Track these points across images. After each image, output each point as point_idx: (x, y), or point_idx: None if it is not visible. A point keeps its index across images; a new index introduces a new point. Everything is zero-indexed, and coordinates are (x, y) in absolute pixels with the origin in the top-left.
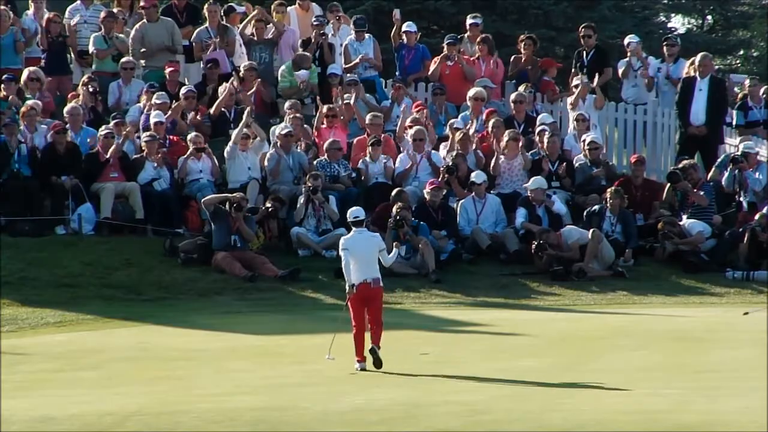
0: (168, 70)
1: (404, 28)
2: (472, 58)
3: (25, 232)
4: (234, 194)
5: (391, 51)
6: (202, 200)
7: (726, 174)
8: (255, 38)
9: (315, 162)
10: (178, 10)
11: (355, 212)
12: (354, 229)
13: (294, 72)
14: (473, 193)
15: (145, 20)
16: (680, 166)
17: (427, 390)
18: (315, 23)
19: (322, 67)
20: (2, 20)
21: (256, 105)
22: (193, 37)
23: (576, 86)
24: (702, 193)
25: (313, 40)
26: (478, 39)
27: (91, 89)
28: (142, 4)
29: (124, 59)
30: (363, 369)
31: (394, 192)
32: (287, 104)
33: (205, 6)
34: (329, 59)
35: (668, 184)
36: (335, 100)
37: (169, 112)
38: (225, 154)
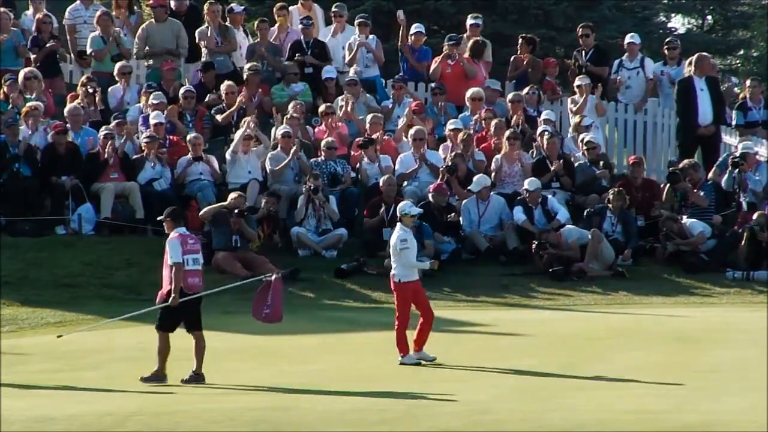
0: (165, 68)
1: (413, 29)
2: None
3: (25, 232)
4: (230, 199)
5: (392, 51)
6: (200, 215)
7: (726, 176)
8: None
9: (311, 161)
10: (177, 15)
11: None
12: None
13: (284, 87)
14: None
15: (152, 20)
16: (680, 166)
17: (427, 390)
18: (301, 26)
19: (317, 70)
20: (2, 22)
21: (257, 107)
22: (196, 37)
23: (578, 87)
24: (702, 193)
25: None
26: (470, 42)
27: (90, 90)
28: (150, 2)
29: (120, 63)
30: (406, 363)
31: (382, 180)
32: (290, 106)
33: (206, 6)
34: (324, 59)
35: (668, 185)
36: (333, 101)
37: (165, 112)
38: (227, 156)
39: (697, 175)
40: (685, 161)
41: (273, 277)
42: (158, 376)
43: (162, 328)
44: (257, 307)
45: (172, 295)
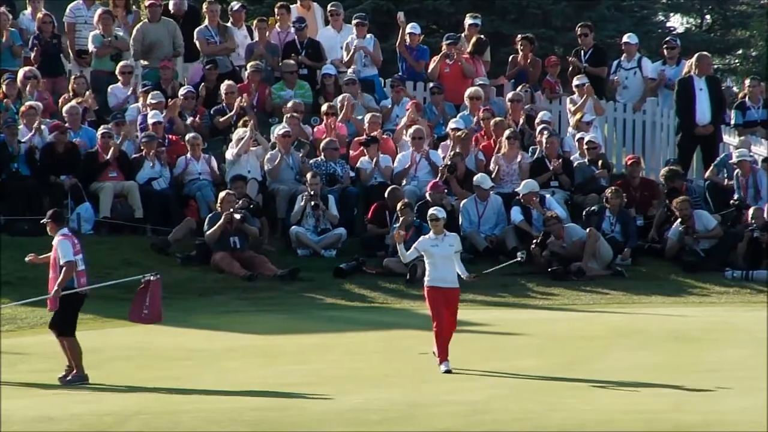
0: (162, 67)
1: (408, 29)
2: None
3: (25, 231)
4: (220, 201)
5: (390, 51)
6: (206, 238)
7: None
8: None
9: (311, 162)
10: (176, 18)
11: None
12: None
13: (284, 87)
14: (475, 194)
15: (146, 20)
16: (661, 173)
17: (427, 390)
18: (295, 27)
19: (312, 70)
20: (1, 23)
21: (258, 106)
22: (195, 36)
23: (577, 86)
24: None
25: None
26: (473, 39)
27: (71, 92)
28: (147, 3)
29: (122, 63)
30: (448, 370)
31: (388, 190)
32: (289, 105)
33: (204, 5)
34: (318, 59)
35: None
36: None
37: (165, 111)
38: (227, 157)
39: (679, 182)
40: (664, 170)
41: (152, 278)
42: (80, 377)
43: (66, 334)
44: (135, 309)
45: (56, 287)
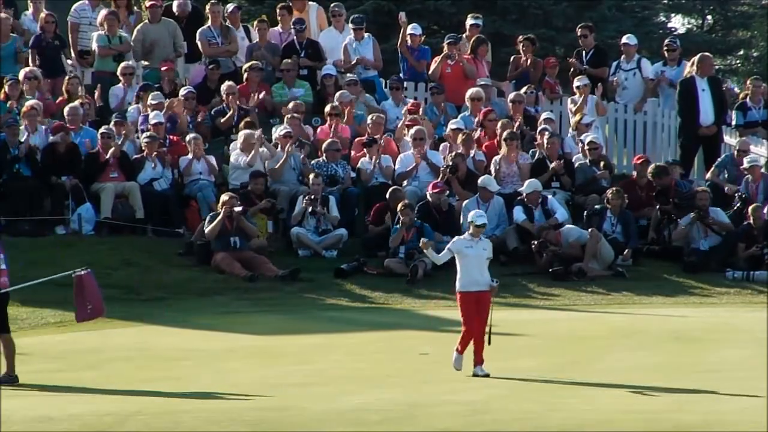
0: (163, 68)
1: (409, 30)
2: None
3: (25, 232)
4: (221, 202)
5: (391, 51)
6: (206, 234)
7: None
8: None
9: (312, 162)
10: (179, 19)
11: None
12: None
13: (284, 87)
14: (477, 195)
15: (146, 21)
16: (648, 171)
17: (427, 390)
18: (295, 29)
19: (312, 70)
20: (3, 28)
21: (258, 106)
22: (197, 37)
23: (578, 87)
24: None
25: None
26: (472, 39)
27: (70, 88)
28: (148, 3)
29: (123, 64)
30: (459, 366)
31: (389, 191)
32: (290, 105)
33: (207, 6)
34: (318, 60)
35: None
36: (333, 100)
37: (164, 109)
38: (232, 160)
39: (669, 178)
40: (651, 167)
41: (82, 272)
42: (10, 377)
43: (3, 331)
44: (80, 309)
45: None
